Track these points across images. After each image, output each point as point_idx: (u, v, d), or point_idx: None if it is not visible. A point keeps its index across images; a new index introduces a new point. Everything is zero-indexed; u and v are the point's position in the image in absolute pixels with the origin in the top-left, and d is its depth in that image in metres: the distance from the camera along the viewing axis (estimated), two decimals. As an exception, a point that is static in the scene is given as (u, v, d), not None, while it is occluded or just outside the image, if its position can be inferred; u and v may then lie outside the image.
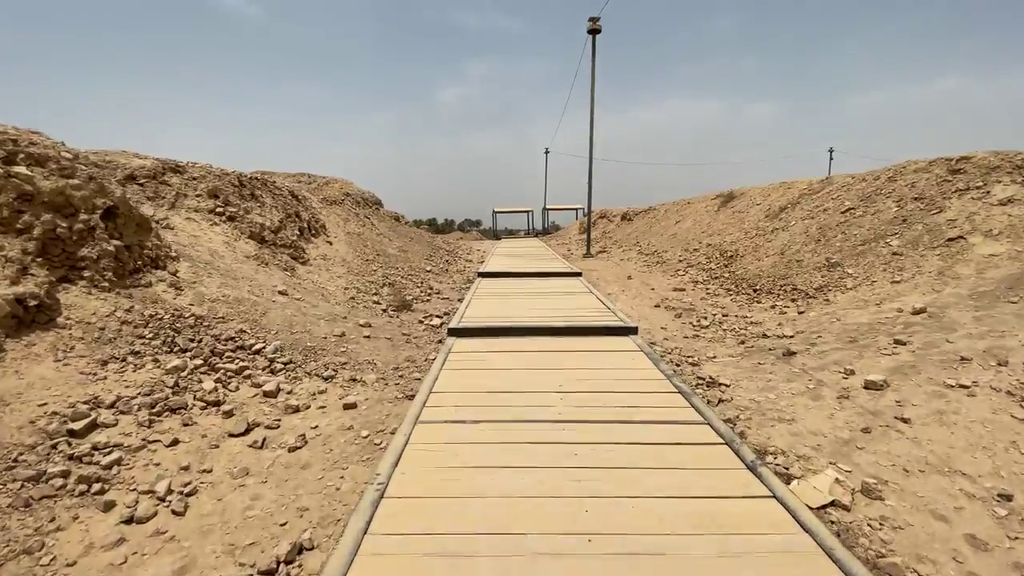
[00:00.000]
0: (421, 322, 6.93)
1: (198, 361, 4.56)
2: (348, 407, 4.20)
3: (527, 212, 38.42)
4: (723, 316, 7.23)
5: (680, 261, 11.70)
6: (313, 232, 9.44)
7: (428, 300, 8.52)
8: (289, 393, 4.40)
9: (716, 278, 9.70)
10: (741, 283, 8.87)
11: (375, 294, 8.07)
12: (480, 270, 10.79)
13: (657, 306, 8.22)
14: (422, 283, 9.65)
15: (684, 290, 9.31)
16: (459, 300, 8.66)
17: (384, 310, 7.22)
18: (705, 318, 7.19)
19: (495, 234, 37.98)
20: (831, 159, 41.38)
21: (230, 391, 4.33)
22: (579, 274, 10.53)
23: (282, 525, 2.70)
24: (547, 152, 38.48)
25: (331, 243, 9.70)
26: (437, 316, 7.35)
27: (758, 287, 8.37)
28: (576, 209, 39.85)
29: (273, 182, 9.28)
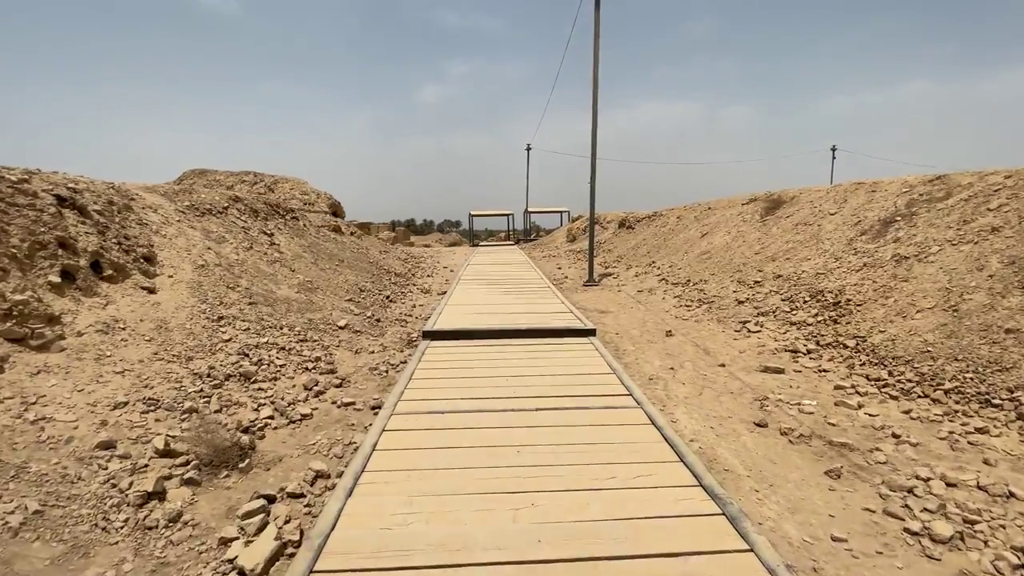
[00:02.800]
0: (228, 542, 2.70)
1: None
2: None
3: (507, 216, 34.27)
4: (946, 488, 3.19)
5: (740, 302, 7.69)
6: (112, 273, 5.11)
7: (306, 416, 4.28)
8: None
9: (829, 345, 5.69)
10: (893, 364, 4.87)
11: (183, 415, 3.82)
12: (428, 327, 6.60)
13: (761, 425, 4.17)
14: (318, 360, 5.40)
15: (783, 371, 5.28)
16: (373, 410, 4.46)
17: (149, 495, 2.96)
18: (913, 493, 3.15)
19: (472, 235, 33.97)
20: (834, 158, 38.26)
21: None
22: (591, 332, 6.43)
23: None
24: (528, 149, 34.35)
25: (154, 290, 5.38)
26: (295, 495, 3.13)
27: (940, 381, 4.38)
28: (561, 212, 35.81)
29: (25, 184, 4.90)
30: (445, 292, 10.00)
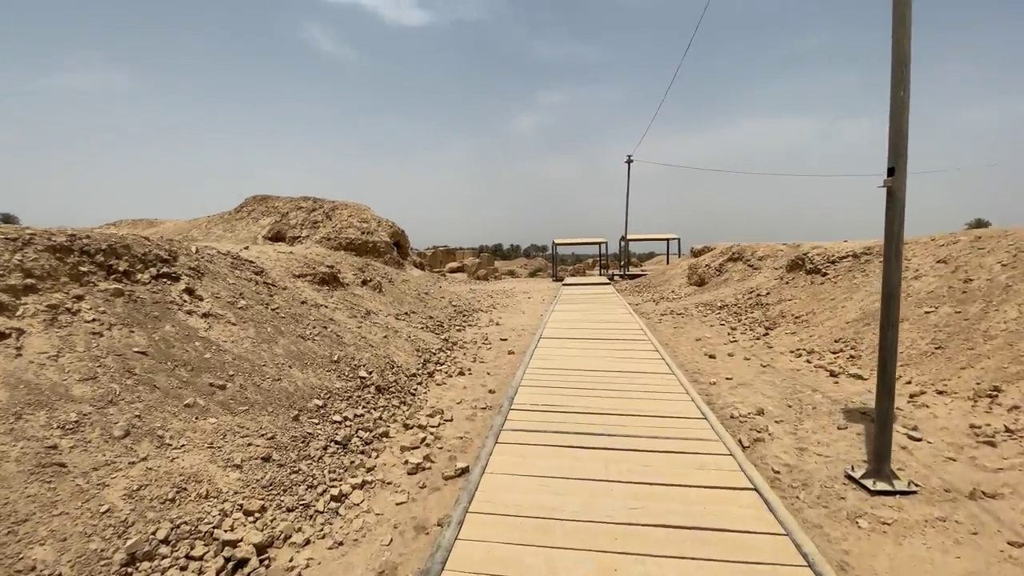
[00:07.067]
0: None
1: None
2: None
3: (599, 243, 27.35)
4: None
5: None
6: None
7: None
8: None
9: None
10: None
11: None
12: None
13: None
14: None
15: None
16: None
17: None
18: None
19: (556, 266, 27.77)
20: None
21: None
22: None
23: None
24: (629, 161, 27.29)
25: None
26: None
27: None
28: (668, 240, 28.22)
29: None
30: (464, 472, 3.63)
